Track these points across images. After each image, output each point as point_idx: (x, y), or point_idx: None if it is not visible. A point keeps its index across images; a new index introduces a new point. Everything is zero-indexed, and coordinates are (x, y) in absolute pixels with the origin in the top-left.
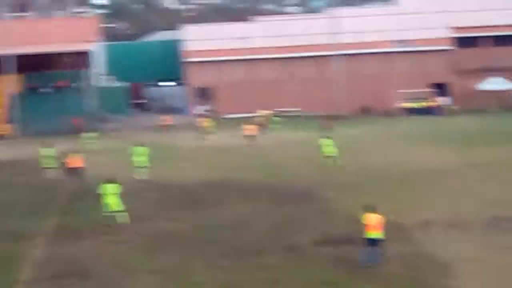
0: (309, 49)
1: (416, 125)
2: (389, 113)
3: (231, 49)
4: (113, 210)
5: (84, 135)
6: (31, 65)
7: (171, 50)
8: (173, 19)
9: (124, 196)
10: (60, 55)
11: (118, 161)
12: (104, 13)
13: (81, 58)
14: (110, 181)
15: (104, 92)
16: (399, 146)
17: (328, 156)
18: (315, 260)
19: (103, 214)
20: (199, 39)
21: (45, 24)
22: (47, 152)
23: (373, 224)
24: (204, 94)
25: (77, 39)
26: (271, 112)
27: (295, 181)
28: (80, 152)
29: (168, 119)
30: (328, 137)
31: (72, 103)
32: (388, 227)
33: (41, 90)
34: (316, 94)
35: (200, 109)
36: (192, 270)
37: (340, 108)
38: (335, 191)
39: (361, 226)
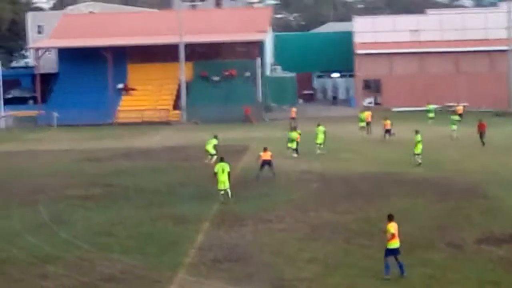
0: (481, 44)
1: None
2: None
3: (402, 42)
4: (223, 188)
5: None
6: (202, 53)
7: (341, 42)
8: (345, 11)
9: (289, 184)
10: (231, 44)
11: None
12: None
13: (252, 48)
14: (222, 160)
15: (273, 82)
16: None
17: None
18: (476, 258)
19: (218, 191)
20: (370, 31)
21: (218, 13)
22: (211, 141)
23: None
24: (372, 86)
25: (249, 29)
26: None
27: (457, 176)
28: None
29: (293, 112)
30: (417, 132)
31: (240, 92)
32: None
33: (211, 78)
34: (486, 90)
35: (367, 101)
36: (353, 261)
37: (511, 104)
38: (500, 188)
39: None
